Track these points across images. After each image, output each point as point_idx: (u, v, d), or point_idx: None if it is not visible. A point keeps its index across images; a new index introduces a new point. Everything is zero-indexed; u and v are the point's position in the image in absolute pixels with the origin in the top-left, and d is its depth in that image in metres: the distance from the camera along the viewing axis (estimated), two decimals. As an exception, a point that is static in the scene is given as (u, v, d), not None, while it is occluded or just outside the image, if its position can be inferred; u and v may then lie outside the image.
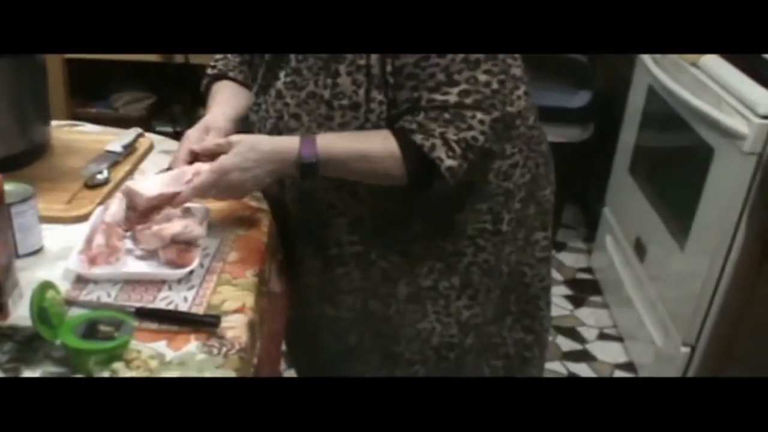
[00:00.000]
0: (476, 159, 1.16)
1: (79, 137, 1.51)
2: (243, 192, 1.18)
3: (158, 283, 1.07)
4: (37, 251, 1.12)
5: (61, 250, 1.13)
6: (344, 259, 1.31)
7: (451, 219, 1.27)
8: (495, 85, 1.13)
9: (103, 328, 0.92)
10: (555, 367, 2.30)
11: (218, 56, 1.38)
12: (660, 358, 2.13)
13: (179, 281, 1.07)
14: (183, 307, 1.02)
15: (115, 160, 1.38)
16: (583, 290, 2.72)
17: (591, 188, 2.95)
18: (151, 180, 1.17)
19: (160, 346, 0.95)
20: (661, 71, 2.17)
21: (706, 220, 1.92)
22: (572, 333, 2.49)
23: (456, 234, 1.28)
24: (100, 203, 1.24)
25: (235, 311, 1.03)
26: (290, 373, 1.94)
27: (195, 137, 1.20)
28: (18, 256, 1.07)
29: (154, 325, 0.98)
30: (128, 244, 1.13)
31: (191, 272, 1.08)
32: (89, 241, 1.10)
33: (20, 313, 0.97)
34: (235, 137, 1.16)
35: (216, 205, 1.23)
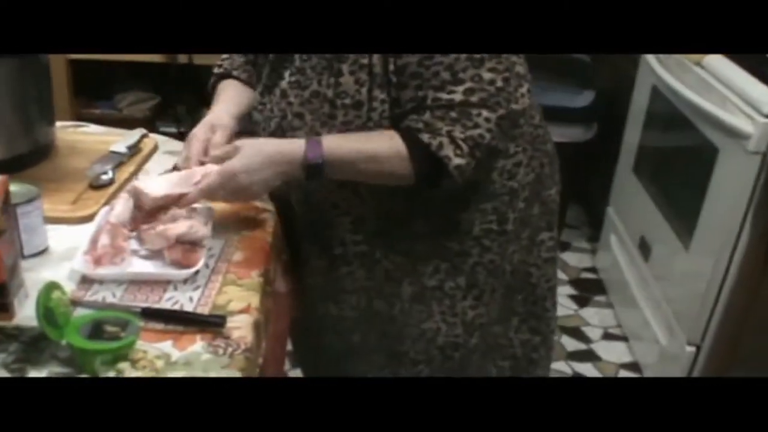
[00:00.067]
0: (482, 157, 1.16)
1: (84, 138, 1.51)
2: (251, 195, 1.18)
3: (163, 284, 1.07)
4: (43, 252, 1.12)
5: (66, 251, 1.13)
6: (348, 258, 1.31)
7: (456, 219, 1.27)
8: (500, 83, 1.13)
9: (108, 328, 0.92)
10: (560, 367, 2.30)
11: (224, 56, 1.39)
12: (665, 358, 2.13)
13: (184, 281, 1.07)
14: (188, 308, 1.02)
15: (119, 160, 1.38)
16: (588, 290, 2.71)
17: (595, 188, 2.94)
18: (158, 180, 1.17)
19: (166, 346, 0.95)
20: (665, 71, 2.16)
21: (710, 220, 1.92)
22: (577, 333, 2.48)
23: (461, 234, 1.28)
24: (105, 204, 1.24)
25: (241, 311, 1.03)
26: (295, 373, 1.95)
27: (202, 136, 1.21)
28: (23, 257, 1.08)
29: (159, 326, 0.98)
30: (133, 244, 1.13)
31: (196, 272, 1.08)
32: (94, 242, 1.10)
33: (26, 314, 0.97)
34: (241, 141, 1.16)
35: (221, 206, 1.23)
